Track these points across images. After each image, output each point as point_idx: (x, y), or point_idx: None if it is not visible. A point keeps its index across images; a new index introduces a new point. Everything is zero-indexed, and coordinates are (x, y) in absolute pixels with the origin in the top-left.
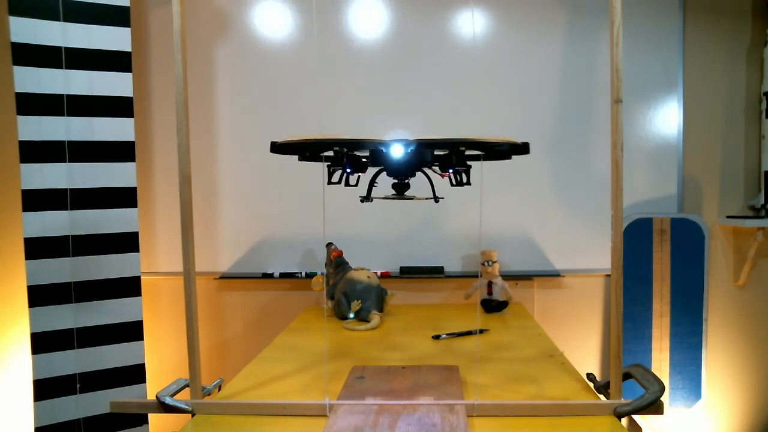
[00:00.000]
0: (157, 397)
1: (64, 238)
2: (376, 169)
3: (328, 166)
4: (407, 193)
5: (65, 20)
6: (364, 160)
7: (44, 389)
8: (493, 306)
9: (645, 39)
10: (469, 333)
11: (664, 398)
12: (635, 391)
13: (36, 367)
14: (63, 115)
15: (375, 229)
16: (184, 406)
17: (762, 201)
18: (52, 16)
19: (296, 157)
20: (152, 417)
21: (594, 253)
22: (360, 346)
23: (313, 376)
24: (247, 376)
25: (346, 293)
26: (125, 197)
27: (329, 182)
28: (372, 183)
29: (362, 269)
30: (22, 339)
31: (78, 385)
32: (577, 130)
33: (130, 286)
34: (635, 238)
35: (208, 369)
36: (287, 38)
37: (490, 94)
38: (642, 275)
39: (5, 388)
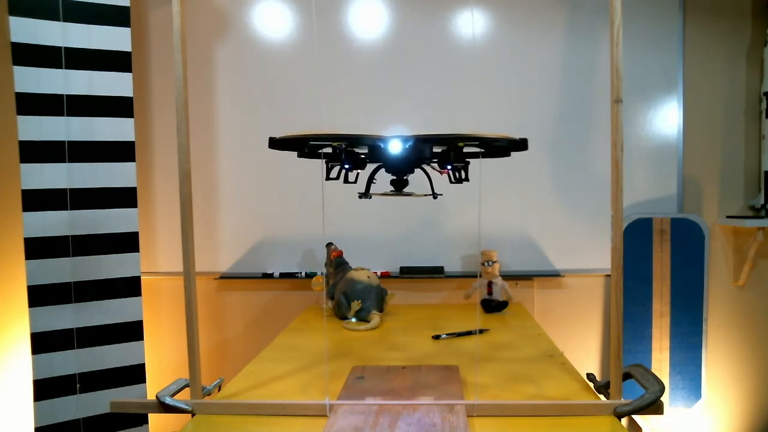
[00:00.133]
0: (157, 397)
1: (64, 238)
2: (374, 166)
3: (326, 161)
4: (406, 190)
5: (65, 20)
6: (362, 156)
7: (44, 389)
8: (493, 306)
9: (645, 39)
10: (469, 333)
11: (664, 398)
12: (635, 391)
13: (36, 367)
14: (63, 115)
15: (375, 229)
16: (184, 406)
17: (762, 201)
18: (52, 16)
19: (296, 157)
20: (152, 417)
21: (594, 253)
22: (360, 346)
23: (313, 376)
24: (247, 376)
25: (346, 293)
26: (125, 197)
27: (327, 178)
28: (371, 179)
29: (362, 269)
30: (22, 339)
31: (78, 385)
32: (577, 130)
33: (130, 286)
34: (635, 238)
35: (208, 369)
36: (287, 38)
37: (490, 94)
38: (642, 275)
39: (5, 388)
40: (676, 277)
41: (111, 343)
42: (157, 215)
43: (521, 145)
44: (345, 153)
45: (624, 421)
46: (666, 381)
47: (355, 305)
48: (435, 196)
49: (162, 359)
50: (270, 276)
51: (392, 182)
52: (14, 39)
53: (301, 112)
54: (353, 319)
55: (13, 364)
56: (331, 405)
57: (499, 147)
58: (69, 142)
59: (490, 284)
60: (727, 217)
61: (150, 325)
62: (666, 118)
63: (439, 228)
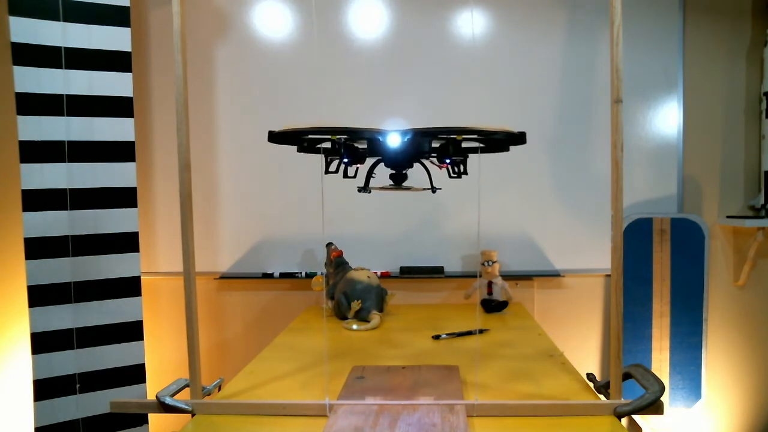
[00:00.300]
0: (157, 397)
1: (64, 238)
2: (373, 160)
3: (325, 155)
4: (405, 184)
5: (65, 20)
6: (362, 149)
7: (44, 389)
8: (493, 306)
9: (645, 39)
10: (469, 333)
11: (664, 398)
12: (635, 391)
13: (36, 367)
14: (63, 115)
15: (375, 229)
16: (184, 406)
17: (762, 201)
18: (52, 16)
19: (296, 157)
20: (152, 417)
21: (594, 253)
22: (360, 346)
23: (313, 376)
24: (247, 376)
25: (346, 293)
26: (125, 197)
27: (327, 171)
28: (370, 173)
29: (362, 269)
30: (22, 339)
31: (78, 385)
32: (577, 130)
33: (130, 286)
34: (635, 238)
35: (208, 369)
36: (287, 38)
37: (490, 94)
38: (642, 275)
39: (5, 388)
40: (676, 277)
41: (111, 343)
42: (157, 215)
43: (520, 138)
44: (344, 147)
45: (624, 421)
46: (666, 381)
47: (355, 305)
48: (434, 190)
49: (162, 359)
50: (270, 276)
51: (391, 176)
52: (14, 39)
53: (301, 112)
54: (354, 327)
55: (13, 364)
56: (331, 405)
57: (497, 141)
58: (69, 142)
59: (490, 284)
60: (727, 217)
61: (150, 325)
62: (666, 118)
63: (439, 228)
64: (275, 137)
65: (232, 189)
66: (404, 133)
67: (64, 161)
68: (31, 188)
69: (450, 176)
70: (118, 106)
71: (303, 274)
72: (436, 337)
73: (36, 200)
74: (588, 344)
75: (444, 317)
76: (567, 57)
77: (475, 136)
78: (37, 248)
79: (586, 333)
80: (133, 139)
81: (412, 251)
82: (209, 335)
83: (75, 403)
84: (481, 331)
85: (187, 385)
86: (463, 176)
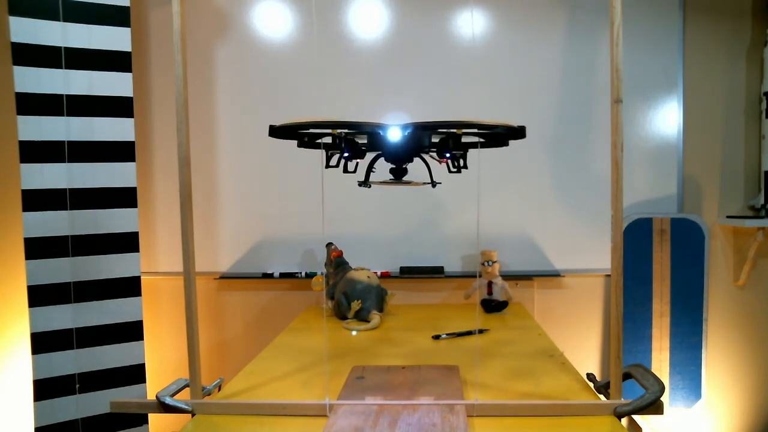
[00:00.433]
0: (157, 397)
1: (63, 238)
2: (373, 155)
3: (325, 149)
4: (405, 179)
5: (65, 20)
6: (362, 143)
7: (44, 389)
8: (493, 306)
9: (645, 39)
10: (469, 333)
11: (664, 398)
12: (635, 391)
13: (36, 367)
14: (63, 115)
15: (375, 229)
16: (184, 406)
17: (762, 201)
18: (52, 16)
19: (296, 157)
20: (152, 417)
21: (594, 253)
22: (360, 346)
23: (313, 376)
24: (247, 376)
25: (346, 293)
26: (125, 197)
27: (327, 165)
28: (370, 167)
29: (362, 269)
30: (22, 339)
31: (78, 385)
32: (577, 130)
33: (130, 286)
34: (635, 238)
35: (208, 369)
36: (287, 38)
37: (490, 94)
38: (642, 275)
39: (5, 388)
40: (676, 277)
41: (111, 343)
42: (157, 215)
43: (519, 132)
44: (344, 141)
45: (624, 421)
46: (666, 381)
47: (355, 305)
48: (434, 184)
49: (162, 359)
50: (270, 276)
51: (391, 170)
52: (14, 39)
53: (301, 111)
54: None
55: (13, 364)
56: (331, 405)
57: (497, 135)
58: (69, 142)
59: (490, 284)
60: (727, 217)
61: (150, 325)
62: (666, 118)
63: (439, 228)
64: (276, 131)
65: (232, 189)
66: (404, 127)
67: (64, 161)
68: (31, 188)
69: (449, 171)
70: (118, 106)
71: (303, 274)
72: (436, 337)
73: (36, 200)
74: (588, 344)
75: (444, 317)
76: (567, 57)
77: (474, 130)
78: (37, 248)
79: (586, 333)
80: (133, 139)
81: (412, 251)
82: (209, 335)
83: (75, 403)
84: (481, 331)
85: (187, 385)
86: (462, 171)
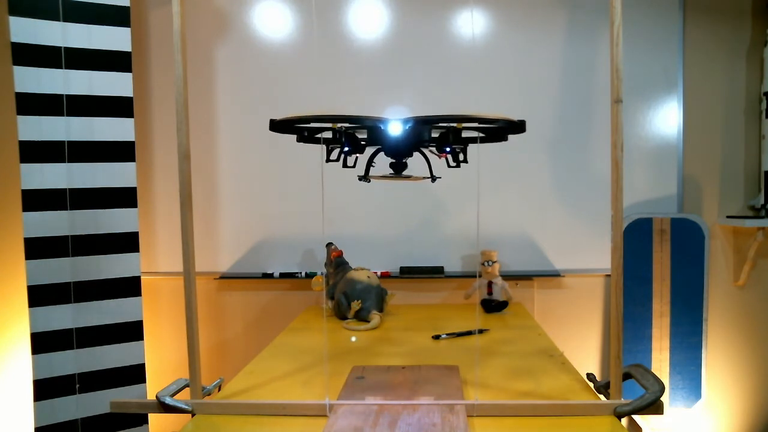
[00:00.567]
0: (157, 397)
1: (63, 238)
2: (374, 149)
3: (326, 144)
4: (404, 173)
5: (65, 20)
6: (361, 138)
7: (44, 389)
8: (493, 306)
9: (645, 39)
10: (469, 333)
11: (664, 398)
12: (635, 391)
13: (36, 367)
14: (63, 115)
15: (375, 229)
16: (184, 406)
17: (762, 201)
18: (52, 16)
19: (296, 157)
20: (152, 417)
21: (594, 253)
22: (360, 345)
23: (313, 376)
24: (247, 376)
25: (346, 293)
26: (125, 197)
27: (327, 160)
28: (370, 162)
29: (362, 269)
30: (22, 339)
31: (78, 385)
32: (577, 130)
33: (130, 286)
34: (635, 238)
35: (208, 369)
36: (287, 38)
37: (490, 94)
38: (642, 275)
39: (5, 388)
40: (676, 277)
41: (111, 343)
42: (157, 215)
43: (519, 126)
44: (345, 135)
45: (624, 421)
46: (666, 381)
47: (355, 305)
48: (434, 179)
49: (162, 359)
50: (270, 276)
51: (391, 165)
52: (14, 39)
53: (302, 112)
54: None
55: (13, 364)
56: (331, 405)
57: (497, 129)
58: (69, 142)
59: (490, 284)
60: (727, 217)
61: (150, 325)
62: (666, 118)
63: (439, 228)
64: (276, 126)
65: (232, 189)
66: (405, 121)
67: (64, 161)
68: (31, 188)
69: (449, 166)
70: (118, 106)
71: (303, 274)
72: (436, 337)
73: (36, 200)
74: (588, 344)
75: (444, 317)
76: (567, 57)
77: (475, 125)
78: (37, 248)
79: (586, 333)
80: (133, 139)
81: (412, 251)
82: (209, 335)
83: (75, 403)
84: (481, 331)
85: (187, 385)
86: (463, 171)
